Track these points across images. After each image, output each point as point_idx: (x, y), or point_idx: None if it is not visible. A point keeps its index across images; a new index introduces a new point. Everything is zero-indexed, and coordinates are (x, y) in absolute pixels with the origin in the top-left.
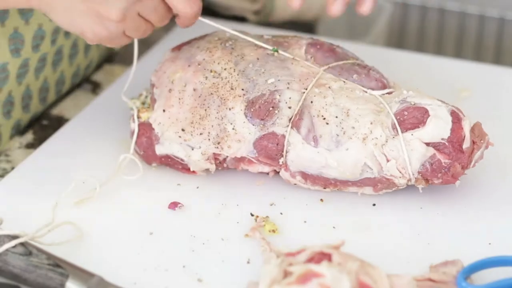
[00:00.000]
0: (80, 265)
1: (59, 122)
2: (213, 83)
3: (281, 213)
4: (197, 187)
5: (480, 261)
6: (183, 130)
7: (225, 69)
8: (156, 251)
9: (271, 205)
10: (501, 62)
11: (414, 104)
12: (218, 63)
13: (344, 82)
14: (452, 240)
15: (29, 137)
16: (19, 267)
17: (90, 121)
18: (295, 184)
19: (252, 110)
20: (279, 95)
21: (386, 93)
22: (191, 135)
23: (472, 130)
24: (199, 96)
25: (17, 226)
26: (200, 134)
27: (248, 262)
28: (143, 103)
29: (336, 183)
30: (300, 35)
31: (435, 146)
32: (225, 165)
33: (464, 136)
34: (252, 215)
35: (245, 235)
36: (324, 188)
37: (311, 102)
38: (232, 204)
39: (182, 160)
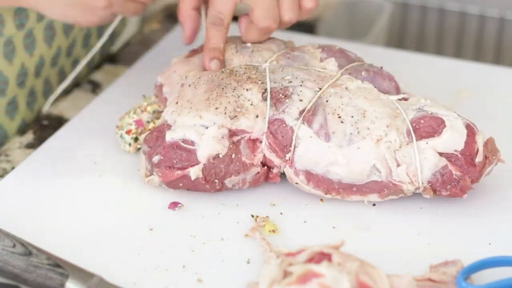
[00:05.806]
0: (80, 265)
1: (59, 122)
2: (229, 74)
3: (281, 213)
4: None
5: (480, 261)
6: (197, 110)
7: (243, 68)
8: (156, 251)
9: (271, 205)
10: (501, 62)
11: (431, 114)
12: (238, 65)
13: (362, 82)
14: (452, 240)
15: (29, 137)
16: (19, 267)
17: (90, 121)
18: (297, 183)
19: (267, 95)
20: (292, 89)
21: (403, 99)
22: (207, 110)
23: (485, 144)
24: (214, 81)
25: (17, 226)
26: (216, 108)
27: (248, 262)
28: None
29: (340, 189)
30: (312, 43)
31: (448, 157)
32: (240, 147)
33: (477, 150)
34: (252, 215)
35: (245, 235)
36: (326, 193)
37: (327, 101)
38: (232, 204)
39: (192, 143)
